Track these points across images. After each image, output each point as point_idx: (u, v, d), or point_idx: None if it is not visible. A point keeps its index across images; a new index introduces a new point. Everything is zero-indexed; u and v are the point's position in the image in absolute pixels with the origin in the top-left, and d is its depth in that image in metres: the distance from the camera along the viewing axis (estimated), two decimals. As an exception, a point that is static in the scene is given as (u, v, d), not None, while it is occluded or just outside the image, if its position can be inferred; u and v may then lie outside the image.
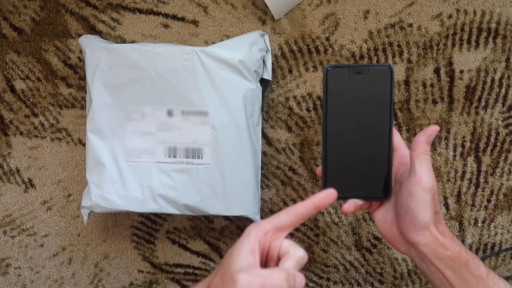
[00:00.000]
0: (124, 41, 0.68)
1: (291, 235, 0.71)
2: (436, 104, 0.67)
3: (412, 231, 0.40)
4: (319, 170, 0.44)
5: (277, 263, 0.38)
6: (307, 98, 0.68)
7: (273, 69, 0.67)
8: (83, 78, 0.69)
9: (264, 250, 0.38)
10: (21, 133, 0.71)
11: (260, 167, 0.66)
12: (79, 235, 0.73)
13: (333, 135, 0.42)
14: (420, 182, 0.39)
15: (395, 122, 0.67)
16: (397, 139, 0.44)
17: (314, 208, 0.38)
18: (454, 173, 0.68)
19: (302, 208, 0.38)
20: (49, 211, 0.72)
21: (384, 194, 0.43)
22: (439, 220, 0.40)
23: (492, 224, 0.69)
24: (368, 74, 0.41)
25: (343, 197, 0.43)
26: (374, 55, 0.67)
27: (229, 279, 0.34)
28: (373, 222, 0.69)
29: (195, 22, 0.68)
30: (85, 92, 0.69)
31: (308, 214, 0.38)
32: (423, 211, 0.39)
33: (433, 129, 0.40)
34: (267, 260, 0.39)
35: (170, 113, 0.61)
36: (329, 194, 0.39)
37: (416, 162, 0.39)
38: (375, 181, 0.42)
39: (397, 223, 0.42)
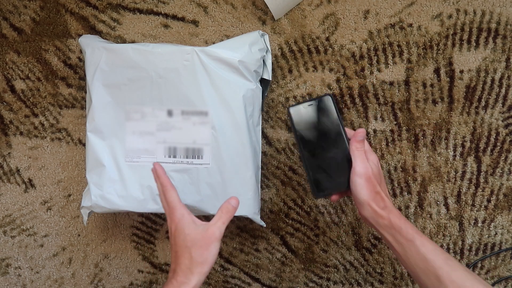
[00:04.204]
0: (124, 41, 0.68)
1: (291, 235, 0.71)
2: (436, 104, 0.67)
3: (360, 208, 0.52)
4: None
5: None
6: (307, 98, 0.68)
7: (273, 69, 0.67)
8: (83, 78, 0.69)
9: None
10: (21, 133, 0.71)
11: (260, 167, 0.66)
12: (79, 235, 0.73)
13: (309, 153, 0.55)
14: (354, 171, 0.52)
15: (395, 122, 0.68)
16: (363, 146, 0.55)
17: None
18: (454, 173, 0.68)
19: None
20: (49, 211, 0.72)
21: (347, 187, 0.54)
22: (381, 198, 0.51)
23: (492, 224, 0.69)
24: (318, 105, 0.55)
25: (324, 194, 0.55)
26: (374, 55, 0.67)
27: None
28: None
29: (195, 22, 0.68)
30: (85, 92, 0.69)
31: None
32: (360, 191, 0.51)
33: (360, 131, 0.53)
34: None
35: (170, 113, 0.61)
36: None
37: (352, 157, 0.53)
38: (342, 179, 0.54)
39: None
